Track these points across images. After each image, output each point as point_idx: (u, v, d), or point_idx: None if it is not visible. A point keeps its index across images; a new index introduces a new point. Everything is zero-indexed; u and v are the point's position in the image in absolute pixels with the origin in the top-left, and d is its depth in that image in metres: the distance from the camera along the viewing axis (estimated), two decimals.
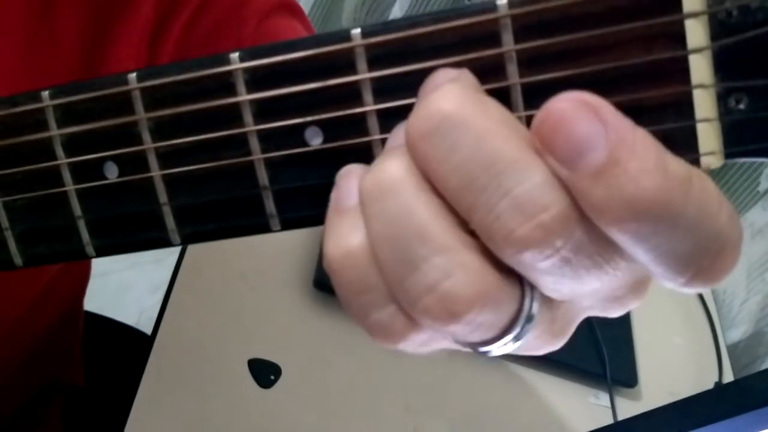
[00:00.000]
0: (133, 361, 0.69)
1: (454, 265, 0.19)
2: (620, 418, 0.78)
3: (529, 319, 0.21)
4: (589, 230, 0.19)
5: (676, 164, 0.18)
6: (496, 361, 0.80)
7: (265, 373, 0.71)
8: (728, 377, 0.87)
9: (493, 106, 0.20)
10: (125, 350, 0.84)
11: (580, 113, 0.18)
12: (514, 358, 0.80)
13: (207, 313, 0.73)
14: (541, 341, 0.22)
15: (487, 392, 0.78)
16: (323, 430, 0.70)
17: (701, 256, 0.19)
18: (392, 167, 0.20)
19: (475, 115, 0.19)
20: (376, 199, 0.20)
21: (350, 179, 0.22)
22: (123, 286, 1.55)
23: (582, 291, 0.21)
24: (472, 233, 0.20)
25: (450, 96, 0.19)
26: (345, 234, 0.21)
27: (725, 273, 0.19)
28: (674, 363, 0.88)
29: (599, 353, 0.81)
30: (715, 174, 0.92)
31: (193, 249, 0.77)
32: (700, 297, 0.95)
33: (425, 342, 0.22)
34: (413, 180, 0.20)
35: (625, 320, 0.87)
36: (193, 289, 0.75)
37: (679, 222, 0.18)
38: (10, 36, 0.39)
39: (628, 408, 0.80)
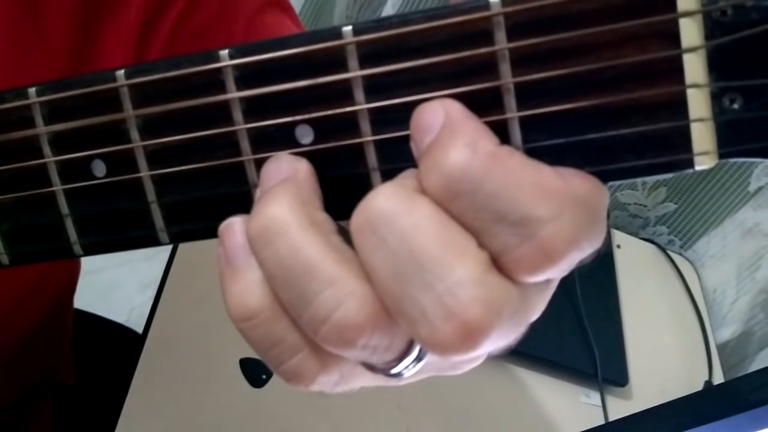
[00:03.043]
0: (123, 359, 0.69)
1: (343, 295, 0.21)
2: (611, 416, 0.78)
3: None
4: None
5: (491, 145, 0.20)
6: (488, 361, 0.80)
7: (257, 372, 0.71)
8: (718, 376, 0.88)
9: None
10: (116, 348, 0.84)
11: (431, 107, 0.21)
12: (506, 357, 0.80)
13: (199, 312, 0.73)
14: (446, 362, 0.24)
15: (479, 391, 0.78)
16: (316, 429, 0.70)
17: (507, 234, 0.20)
18: (274, 210, 0.22)
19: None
20: (266, 243, 0.22)
21: (233, 235, 0.23)
22: (113, 284, 1.54)
23: None
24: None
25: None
26: (244, 294, 0.23)
27: (531, 269, 0.20)
28: (665, 362, 0.88)
29: (590, 352, 0.81)
30: (705, 174, 0.92)
31: (184, 247, 0.76)
32: (691, 296, 0.95)
33: (339, 382, 0.24)
34: (296, 219, 0.21)
35: (615, 319, 0.88)
36: (184, 287, 0.74)
37: (479, 192, 0.20)
38: None
39: (619, 407, 0.80)
